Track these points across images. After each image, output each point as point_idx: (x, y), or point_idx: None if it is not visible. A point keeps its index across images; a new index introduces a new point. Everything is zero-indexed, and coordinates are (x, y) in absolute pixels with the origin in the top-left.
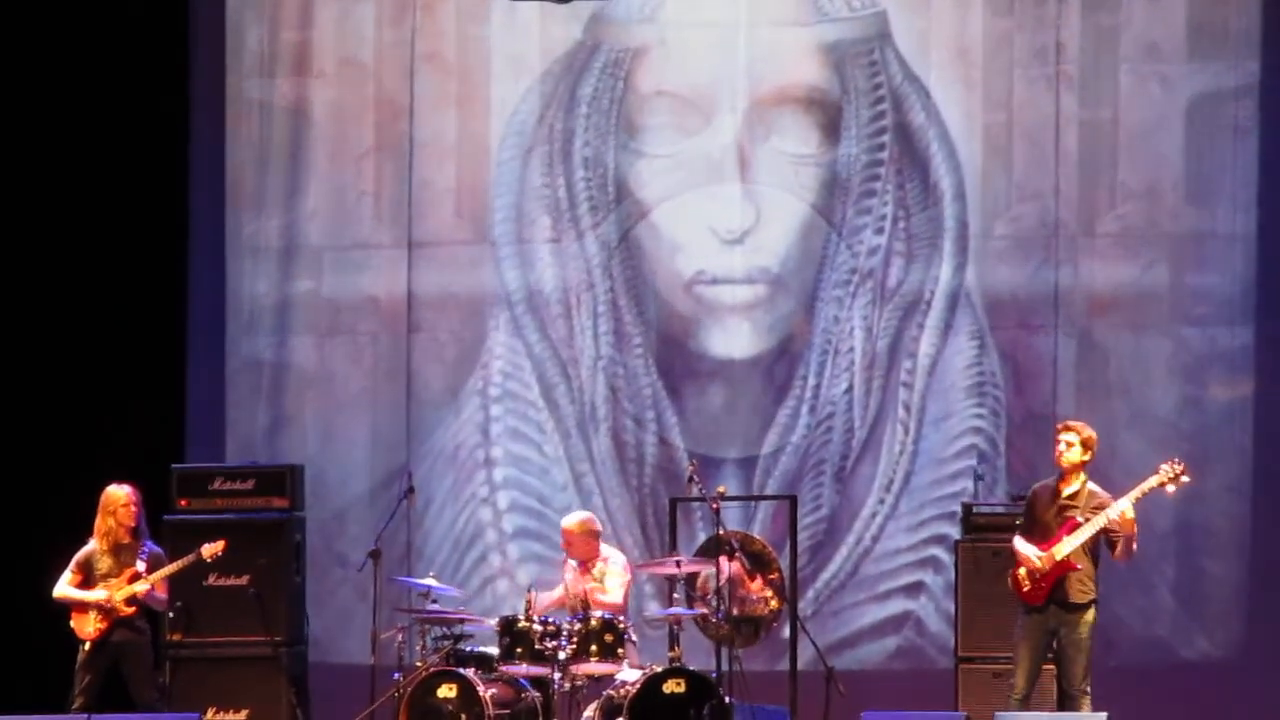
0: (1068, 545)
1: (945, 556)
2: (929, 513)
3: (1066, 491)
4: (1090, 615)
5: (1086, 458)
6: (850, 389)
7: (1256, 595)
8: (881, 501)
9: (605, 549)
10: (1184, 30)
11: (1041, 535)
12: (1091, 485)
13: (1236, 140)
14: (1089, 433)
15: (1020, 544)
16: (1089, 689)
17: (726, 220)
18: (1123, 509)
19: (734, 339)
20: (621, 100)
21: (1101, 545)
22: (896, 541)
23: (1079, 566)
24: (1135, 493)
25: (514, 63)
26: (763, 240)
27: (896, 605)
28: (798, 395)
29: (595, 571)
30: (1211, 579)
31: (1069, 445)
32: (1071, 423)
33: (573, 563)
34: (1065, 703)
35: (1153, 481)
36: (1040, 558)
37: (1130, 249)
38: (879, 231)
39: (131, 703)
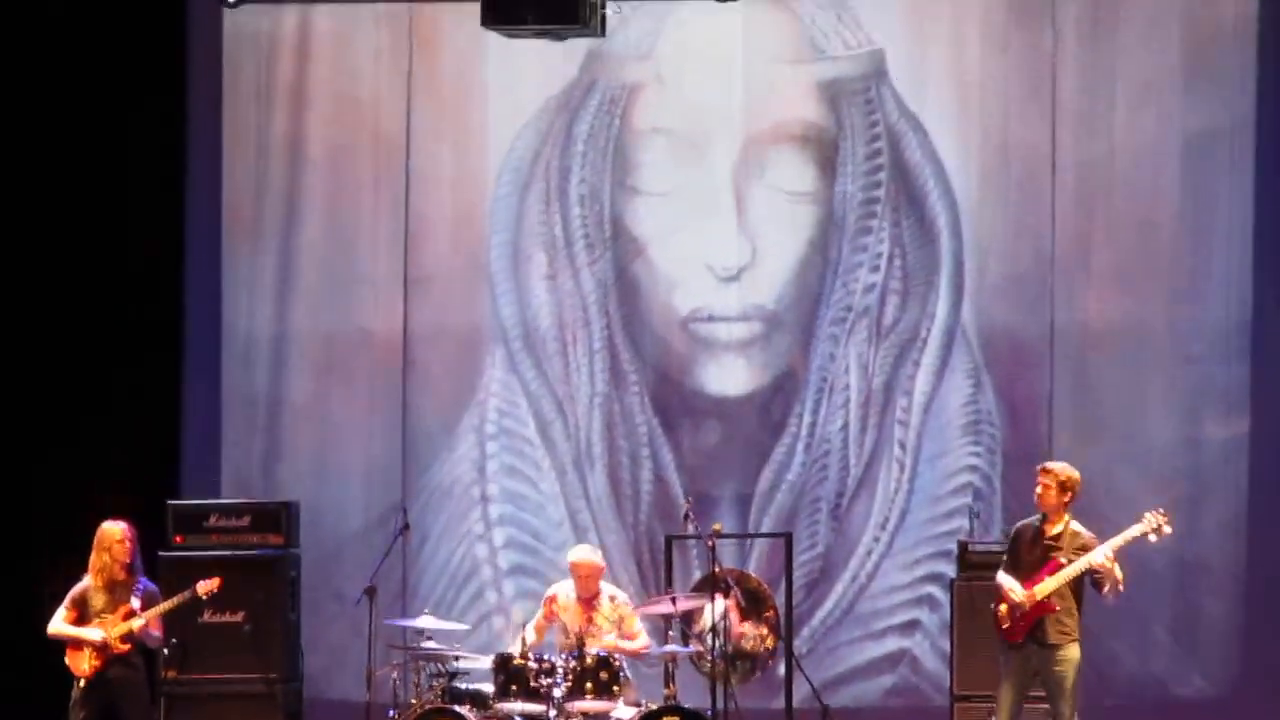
0: (1049, 585)
1: (941, 594)
2: (924, 550)
3: (1051, 532)
4: (1070, 653)
5: (1066, 499)
6: (846, 426)
7: (1252, 633)
8: (877, 539)
9: (606, 586)
10: (1180, 65)
11: (1025, 574)
12: (1075, 525)
13: (1232, 176)
14: (1068, 474)
15: (1004, 578)
16: None
17: (723, 257)
18: (1103, 557)
19: (730, 376)
20: (618, 137)
21: (1087, 585)
22: (892, 579)
23: (1058, 607)
24: (1117, 541)
25: (511, 99)
26: (759, 277)
27: (892, 643)
28: (794, 433)
29: (606, 610)
30: (1207, 617)
31: (1045, 488)
32: (1049, 465)
33: (565, 599)
34: None
35: (1135, 531)
36: (1022, 595)
37: (1126, 285)
38: (875, 269)
39: None
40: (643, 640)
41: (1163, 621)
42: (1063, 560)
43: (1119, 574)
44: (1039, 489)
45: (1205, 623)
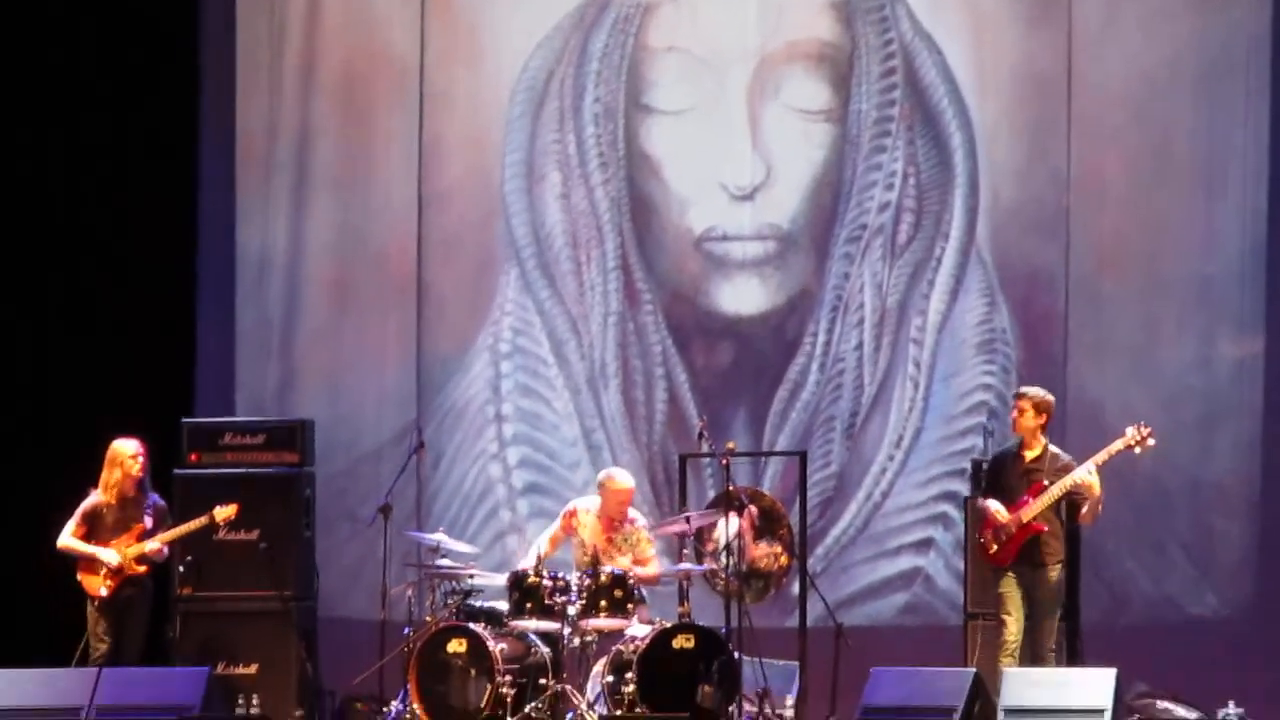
0: (1034, 508)
1: (955, 513)
2: (939, 469)
3: (1030, 456)
4: (1055, 574)
5: (1041, 421)
6: (860, 345)
7: (1266, 553)
8: (891, 458)
9: (632, 511)
10: None
11: (1007, 499)
12: (1054, 448)
13: (1248, 97)
14: (1042, 397)
15: (989, 502)
16: (1054, 649)
17: (737, 176)
18: (1086, 475)
19: (744, 295)
20: (632, 55)
21: (1064, 509)
22: (906, 498)
23: (1046, 528)
24: (1100, 456)
25: (524, 18)
26: (773, 196)
27: (906, 561)
28: (808, 352)
29: (625, 533)
30: (1221, 537)
31: (1021, 412)
32: (1023, 389)
33: (586, 517)
34: (1034, 664)
35: (1118, 445)
36: (1007, 517)
37: (1140, 206)
38: (889, 188)
39: (119, 654)
40: (654, 567)
41: (1177, 542)
42: (1045, 482)
43: (1099, 491)
44: (1014, 414)
45: (1219, 543)
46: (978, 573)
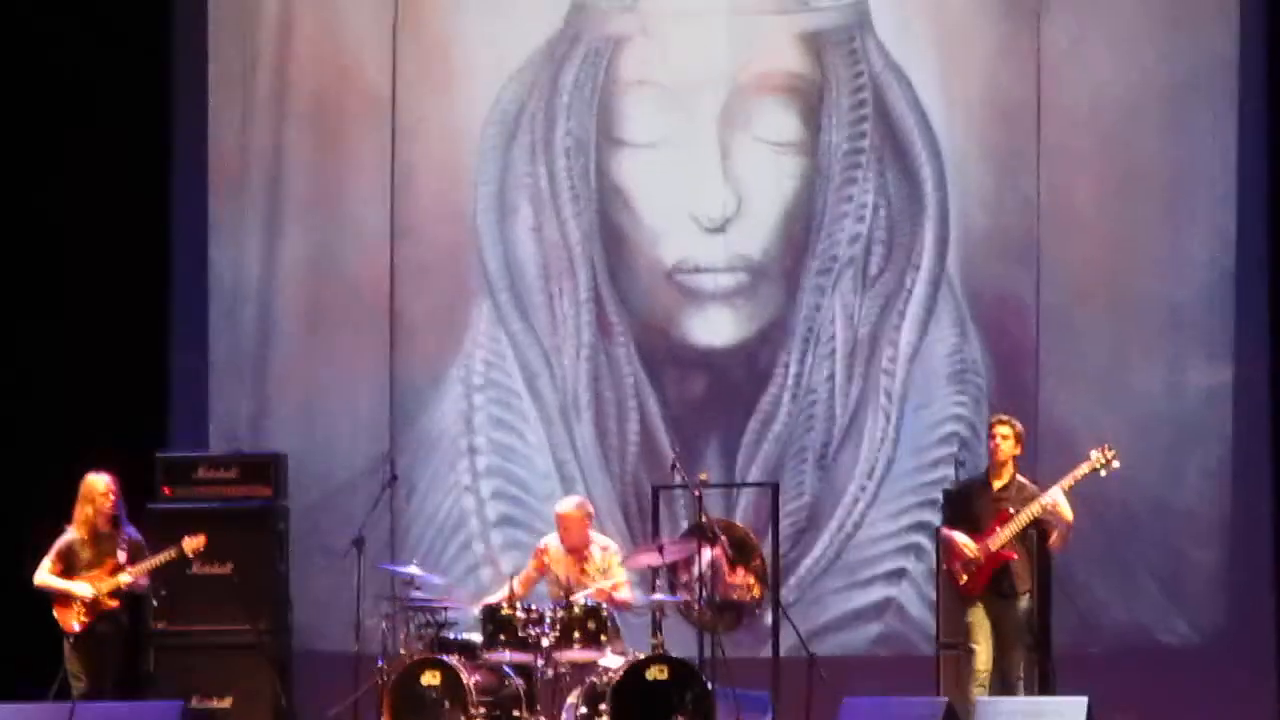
0: (1002, 536)
1: (927, 543)
2: (910, 500)
3: (998, 485)
4: (1024, 603)
5: (1018, 451)
6: (832, 376)
7: (1236, 579)
8: (863, 488)
9: (598, 536)
10: (1163, 12)
11: (975, 528)
12: (1020, 477)
13: (1217, 123)
14: (1020, 426)
15: (954, 534)
16: (1021, 676)
17: (708, 208)
18: (1054, 498)
19: (716, 327)
20: (603, 89)
21: (1033, 538)
22: (878, 528)
23: (1015, 556)
24: (1066, 480)
25: (496, 51)
26: (744, 228)
27: (878, 592)
28: (780, 383)
29: (597, 561)
30: (1191, 563)
31: (1004, 438)
32: (1004, 416)
33: (555, 549)
34: (1003, 693)
35: (1084, 469)
36: (975, 549)
37: (1110, 234)
38: (860, 219)
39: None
40: (625, 593)
41: (1147, 569)
42: (1011, 510)
43: (1069, 515)
44: (997, 439)
45: (1189, 570)
46: (950, 603)
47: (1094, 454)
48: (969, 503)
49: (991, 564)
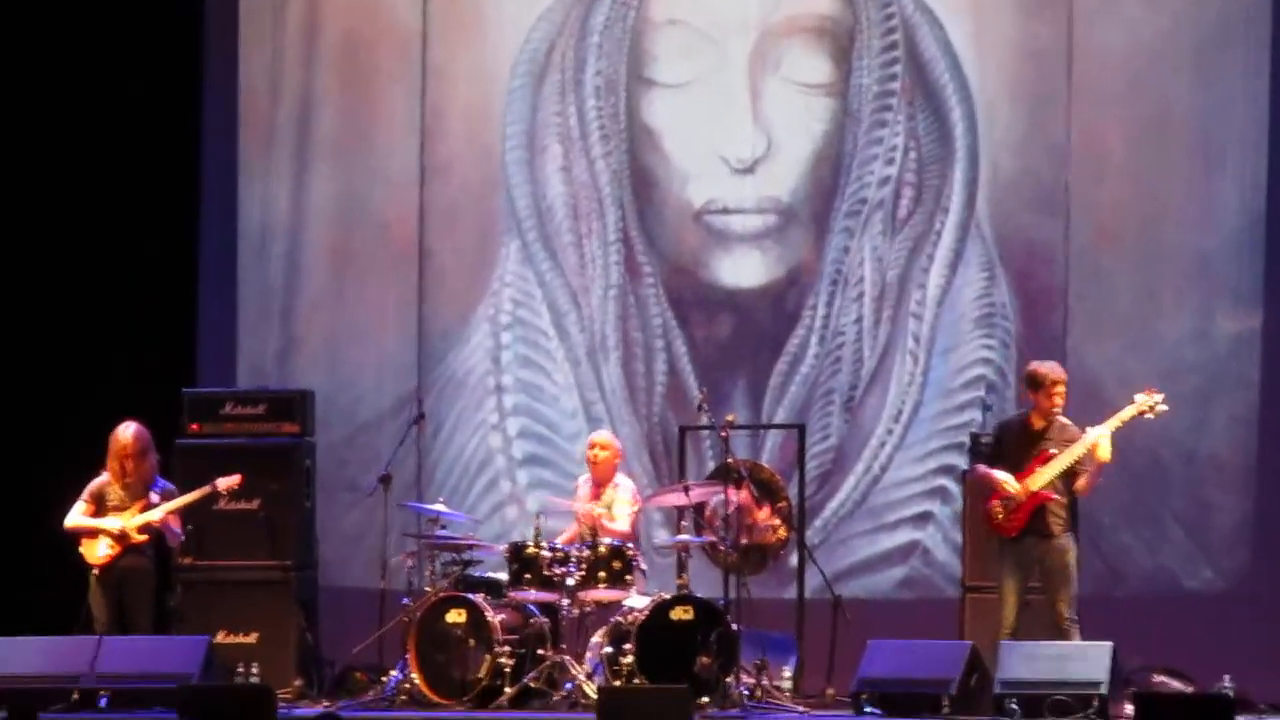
0: (1042, 477)
1: (953, 486)
2: (937, 443)
3: (1038, 425)
4: (1067, 543)
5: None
6: (860, 319)
7: (1262, 526)
8: (890, 431)
9: (618, 475)
10: None
11: (1014, 468)
12: (1062, 418)
13: (1247, 70)
14: (1033, 370)
15: (995, 471)
16: (1076, 618)
17: (737, 150)
18: (1099, 438)
19: (744, 268)
20: (633, 29)
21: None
22: (905, 471)
23: (1055, 497)
24: (1113, 422)
25: None
26: (773, 170)
27: (904, 535)
28: (807, 325)
29: (605, 497)
30: (1218, 510)
31: (1062, 395)
32: (1062, 373)
33: (582, 490)
34: (1056, 634)
35: (1130, 411)
36: (1016, 486)
37: (1140, 180)
38: (890, 162)
39: (127, 629)
40: (619, 525)
41: (1173, 515)
42: (1052, 450)
43: (1108, 457)
44: (1056, 398)
45: (1216, 516)
46: (976, 546)
47: (1139, 397)
48: (1008, 441)
49: (1031, 503)
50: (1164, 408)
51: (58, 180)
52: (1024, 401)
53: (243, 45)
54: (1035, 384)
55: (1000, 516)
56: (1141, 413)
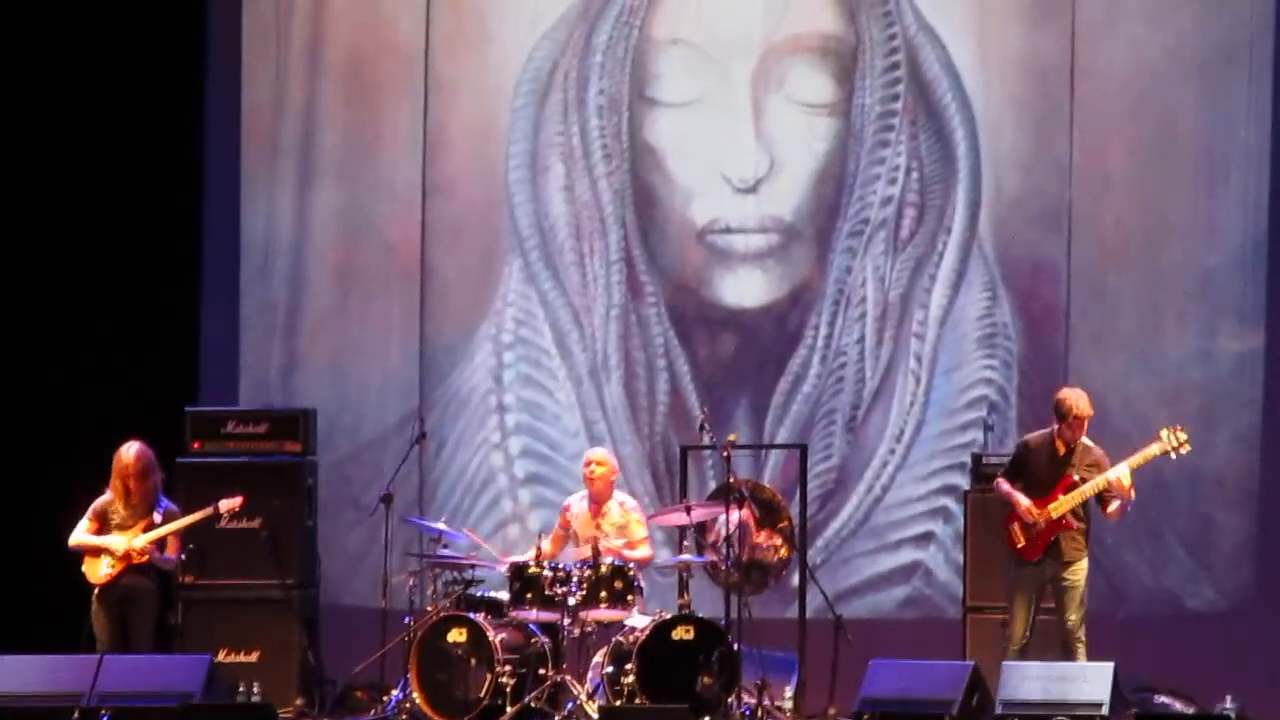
0: (1065, 504)
1: (955, 506)
2: (939, 463)
3: (1063, 448)
4: (1083, 564)
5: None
6: (862, 339)
7: (1265, 546)
8: (892, 451)
9: (619, 494)
10: None
11: (1038, 491)
12: (1086, 440)
13: (1251, 88)
14: (1062, 401)
15: (1015, 494)
16: (1084, 637)
17: (740, 169)
18: (1120, 474)
19: (746, 287)
20: (636, 47)
21: (1092, 502)
22: (907, 491)
23: (1075, 525)
24: (1136, 459)
25: (530, 7)
26: (776, 189)
27: (906, 555)
28: (809, 345)
29: (615, 517)
30: (1220, 530)
31: (1084, 425)
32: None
33: (578, 508)
34: (1063, 650)
35: (1154, 449)
36: (1036, 513)
37: (1143, 199)
38: (892, 182)
39: (129, 648)
40: (645, 551)
41: (1176, 534)
42: (1076, 478)
43: (1131, 494)
44: (1078, 429)
45: (1218, 536)
46: (978, 566)
47: (1165, 434)
48: (1031, 460)
49: (1052, 530)
50: (1188, 449)
51: (61, 196)
52: (1026, 420)
53: (246, 61)
54: (1061, 414)
55: (1022, 542)
56: (1165, 452)
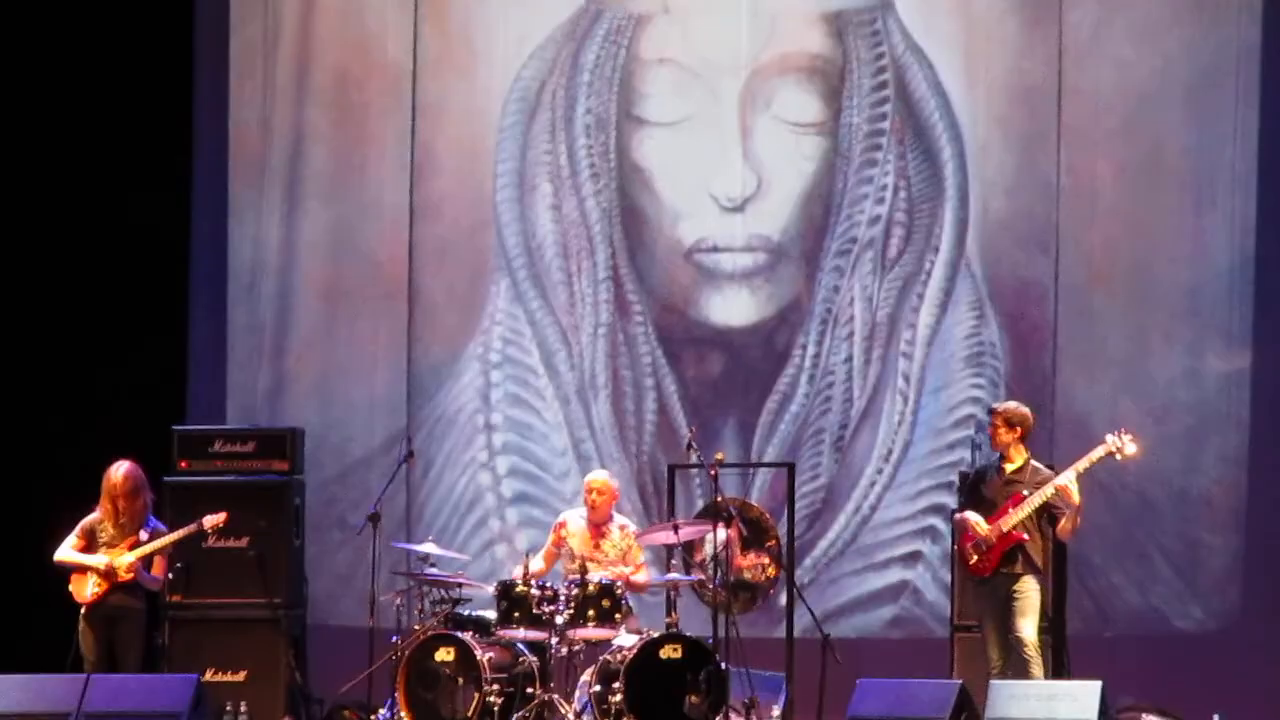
0: (1014, 517)
1: (943, 526)
2: (927, 482)
3: (1010, 468)
4: (1033, 580)
5: (1016, 435)
6: (850, 358)
7: (1252, 566)
8: (880, 471)
9: (619, 516)
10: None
11: (988, 511)
12: (1035, 462)
13: (1238, 109)
14: (1013, 410)
15: (967, 514)
16: (1036, 655)
17: (727, 188)
18: (1066, 481)
19: (734, 307)
20: (624, 67)
21: (1048, 522)
22: (894, 511)
23: (1026, 538)
24: (1080, 465)
25: (517, 28)
26: (764, 208)
27: (894, 574)
28: (797, 364)
29: (615, 539)
30: (1208, 549)
31: (994, 428)
32: (995, 405)
33: (575, 525)
34: (1017, 669)
35: (1098, 453)
36: (986, 528)
37: (1130, 218)
38: (880, 201)
39: (116, 667)
40: (644, 575)
41: (1163, 554)
42: (1024, 493)
43: (1078, 499)
44: (989, 430)
45: (1205, 555)
46: (965, 586)
47: (1109, 438)
48: (982, 485)
49: (1003, 545)
50: (1133, 449)
51: (49, 215)
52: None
53: (234, 82)
54: (993, 424)
55: (974, 559)
56: (1110, 454)
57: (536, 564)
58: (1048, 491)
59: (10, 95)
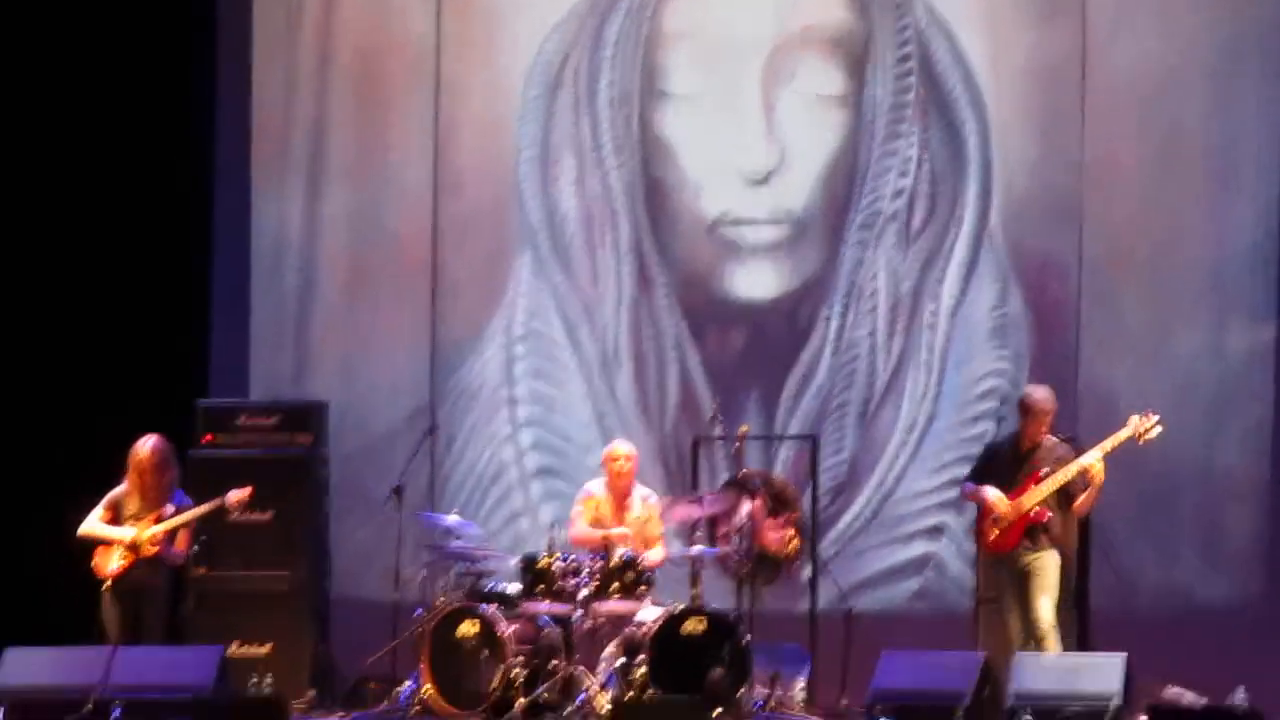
0: (1035, 496)
1: None
2: (951, 455)
3: (1027, 445)
4: (1053, 555)
5: (1026, 418)
6: (873, 332)
7: (1276, 540)
8: (904, 444)
9: (641, 487)
10: None
11: (1006, 487)
12: (1051, 437)
13: (1262, 84)
14: (1023, 397)
15: (984, 490)
16: (1051, 631)
17: (751, 161)
18: (1090, 462)
19: (757, 280)
20: (647, 40)
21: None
22: (918, 484)
23: (1048, 516)
24: (1106, 444)
25: (540, 3)
26: (787, 182)
27: (918, 547)
28: (821, 337)
29: (638, 510)
30: (1231, 524)
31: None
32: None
33: (600, 494)
34: (1032, 642)
35: (1123, 434)
36: (1006, 505)
37: (1153, 193)
38: (904, 174)
39: (140, 641)
40: (658, 553)
41: (1187, 529)
42: (1044, 470)
43: (1101, 479)
44: (1045, 428)
45: (1229, 531)
46: (985, 561)
47: (1134, 419)
48: (997, 461)
49: (1023, 522)
50: (1157, 432)
51: (73, 198)
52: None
53: (256, 60)
54: (1023, 409)
55: (994, 534)
56: (1134, 436)
57: (584, 530)
58: (1071, 470)
59: (38, 83)
